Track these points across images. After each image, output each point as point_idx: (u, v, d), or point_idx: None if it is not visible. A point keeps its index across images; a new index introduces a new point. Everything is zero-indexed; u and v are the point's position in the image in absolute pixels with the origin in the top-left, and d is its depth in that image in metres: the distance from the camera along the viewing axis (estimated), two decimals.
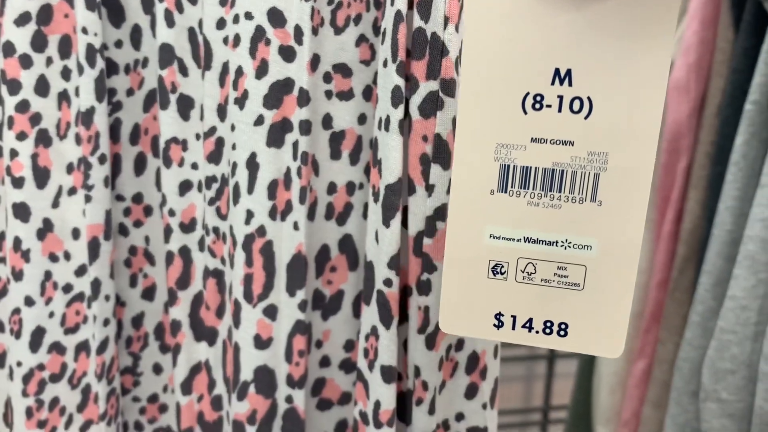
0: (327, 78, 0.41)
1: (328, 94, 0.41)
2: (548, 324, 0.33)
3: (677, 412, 0.69)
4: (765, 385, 0.57)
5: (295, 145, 0.40)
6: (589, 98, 0.31)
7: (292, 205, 0.41)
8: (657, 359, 0.80)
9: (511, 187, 0.32)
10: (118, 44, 0.46)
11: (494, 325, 0.33)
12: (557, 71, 0.31)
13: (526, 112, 0.31)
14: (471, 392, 0.42)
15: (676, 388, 0.69)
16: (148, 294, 0.50)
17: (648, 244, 0.79)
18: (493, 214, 0.32)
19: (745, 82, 0.66)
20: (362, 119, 0.43)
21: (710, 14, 0.72)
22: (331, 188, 0.43)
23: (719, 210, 0.64)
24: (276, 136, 0.40)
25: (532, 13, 0.31)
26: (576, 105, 0.31)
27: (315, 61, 0.40)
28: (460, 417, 0.42)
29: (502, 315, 0.33)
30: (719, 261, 0.63)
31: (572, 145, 0.31)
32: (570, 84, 0.31)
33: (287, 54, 0.40)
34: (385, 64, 0.38)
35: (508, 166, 0.32)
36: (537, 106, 0.31)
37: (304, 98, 0.40)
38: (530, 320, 0.33)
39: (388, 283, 0.38)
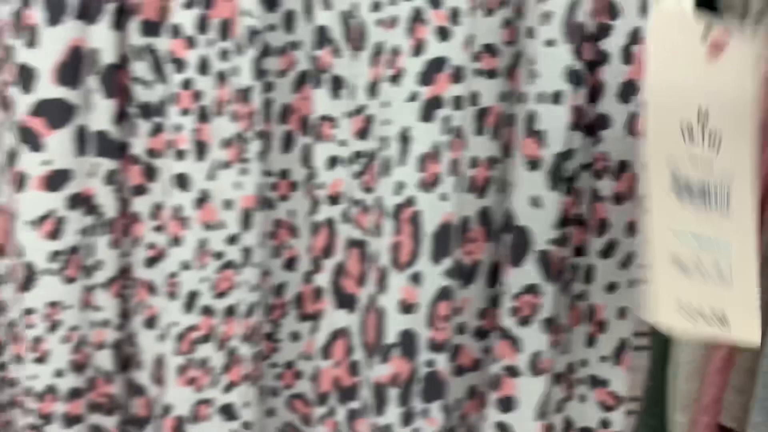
0: (476, 57, 0.43)
1: (477, 72, 0.43)
2: (715, 315, 0.35)
3: (765, 395, 0.70)
4: None
5: (447, 119, 0.42)
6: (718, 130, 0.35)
7: (442, 177, 0.43)
8: (739, 347, 0.80)
9: (680, 193, 0.34)
10: (272, 28, 0.49)
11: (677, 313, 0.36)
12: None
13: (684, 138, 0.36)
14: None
15: (764, 374, 0.69)
16: (290, 264, 0.53)
17: None
18: (673, 214, 0.37)
19: None
20: (503, 96, 0.44)
21: None
22: (473, 162, 0.45)
23: None
24: (428, 111, 0.43)
25: (692, 57, 0.36)
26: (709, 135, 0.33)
27: (469, 41, 0.42)
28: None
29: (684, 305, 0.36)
30: None
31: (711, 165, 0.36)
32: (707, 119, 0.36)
33: (443, 34, 0.42)
34: (550, 44, 0.40)
35: (678, 177, 0.34)
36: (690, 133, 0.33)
37: (458, 76, 0.42)
38: (701, 312, 0.35)
39: (555, 242, 0.40)
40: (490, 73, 0.44)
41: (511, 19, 0.43)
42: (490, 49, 0.43)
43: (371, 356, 0.47)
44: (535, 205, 0.41)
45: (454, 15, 0.41)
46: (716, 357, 0.84)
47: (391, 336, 0.45)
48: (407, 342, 0.45)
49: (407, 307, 0.44)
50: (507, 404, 0.45)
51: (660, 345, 0.91)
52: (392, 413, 0.46)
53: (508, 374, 0.43)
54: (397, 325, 0.44)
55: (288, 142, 0.51)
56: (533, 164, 0.41)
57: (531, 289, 0.42)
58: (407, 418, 0.47)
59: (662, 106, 0.37)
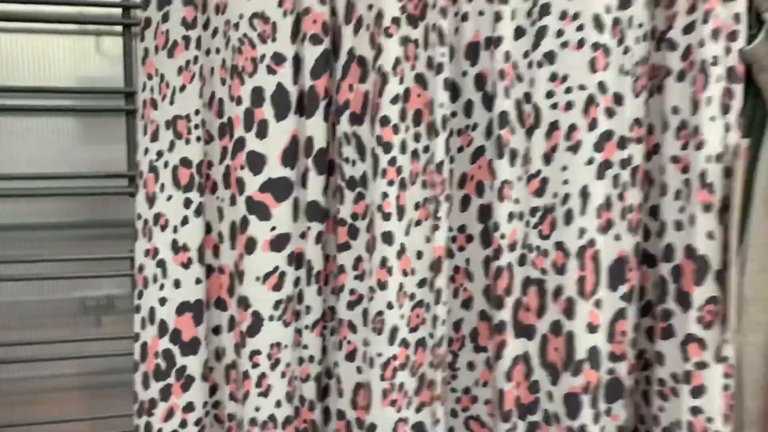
0: (631, 128, 0.57)
1: (633, 140, 0.57)
2: None
3: None
4: None
5: (616, 177, 0.56)
6: None
7: (614, 222, 0.56)
8: None
9: None
10: (453, 114, 0.63)
11: None
12: None
13: None
14: None
15: None
16: (466, 304, 0.65)
17: None
18: None
19: None
20: (647, 157, 0.58)
21: None
22: (630, 208, 0.58)
23: None
24: (602, 172, 0.56)
25: None
26: None
27: (631, 119, 0.56)
28: None
29: None
30: None
31: None
32: None
33: (610, 113, 0.55)
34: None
35: None
36: None
37: (622, 144, 0.55)
38: None
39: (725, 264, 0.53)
40: (638, 140, 0.57)
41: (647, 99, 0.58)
42: (638, 122, 0.57)
43: (561, 371, 0.58)
44: (710, 238, 0.54)
45: (618, 99, 0.55)
46: None
47: (581, 352, 0.56)
48: (594, 356, 0.57)
49: (593, 328, 0.57)
50: (699, 391, 0.57)
51: None
52: (586, 415, 0.57)
53: (698, 368, 0.55)
54: (587, 342, 0.56)
55: (466, 203, 0.64)
56: (707, 207, 0.54)
57: (711, 300, 0.54)
58: (596, 418, 0.58)
59: None
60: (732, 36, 0.58)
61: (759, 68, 0.87)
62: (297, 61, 0.62)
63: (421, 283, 0.63)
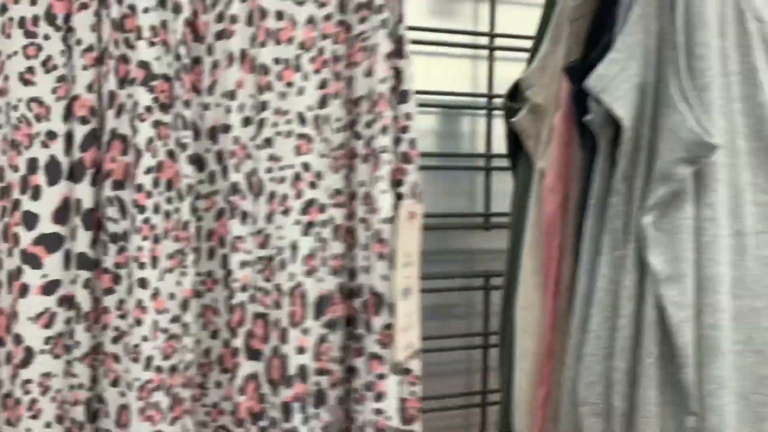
0: (332, 197, 0.75)
1: (333, 205, 0.75)
2: None
3: (565, 419, 0.88)
4: (617, 389, 0.80)
5: (318, 234, 0.74)
6: None
7: (318, 267, 0.74)
8: (553, 384, 0.96)
9: None
10: (201, 182, 0.78)
11: None
12: None
13: None
14: None
15: (562, 402, 0.88)
16: (214, 335, 0.80)
17: (542, 302, 1.01)
18: None
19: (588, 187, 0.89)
20: (348, 218, 0.77)
21: (566, 138, 1.00)
22: (333, 257, 0.76)
23: (580, 273, 0.86)
24: (307, 230, 0.74)
25: None
26: None
27: (331, 189, 0.74)
28: None
29: None
30: (582, 306, 0.85)
31: None
32: None
33: (313, 185, 0.74)
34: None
35: None
36: None
37: (323, 209, 0.73)
38: None
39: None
40: (340, 205, 0.76)
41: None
42: (338, 192, 0.76)
43: (278, 386, 0.75)
44: (385, 279, 0.73)
45: (318, 175, 0.74)
46: (539, 395, 0.98)
47: (292, 369, 0.73)
48: (302, 373, 0.73)
49: (301, 350, 0.74)
50: (380, 396, 0.75)
51: (507, 382, 1.04)
52: (297, 419, 0.74)
53: (379, 378, 0.73)
54: (297, 361, 0.73)
55: (211, 254, 0.79)
56: (381, 256, 0.73)
57: (388, 327, 0.73)
58: (305, 420, 0.75)
59: None
60: (404, 129, 0.78)
61: (525, 136, 1.10)
62: (69, 136, 0.75)
63: (174, 320, 0.77)
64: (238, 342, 0.77)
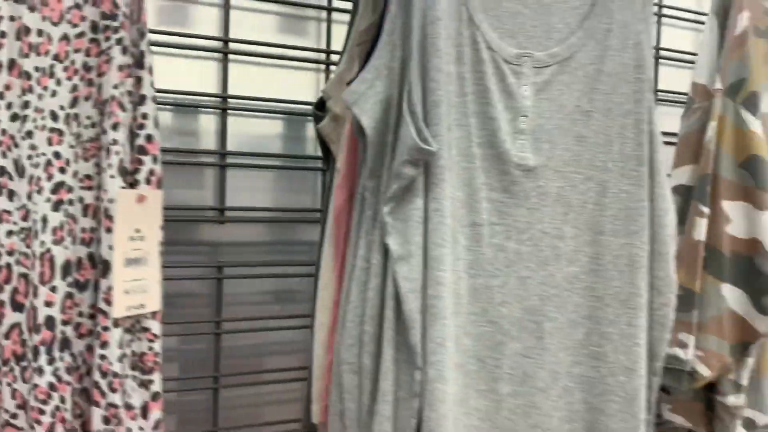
0: (81, 180, 0.87)
1: (85, 188, 0.87)
2: None
3: (334, 378, 1.00)
4: (366, 350, 0.94)
5: (66, 210, 0.85)
6: None
7: (65, 237, 0.85)
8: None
9: None
10: None
11: None
12: None
13: None
14: None
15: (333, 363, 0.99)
16: None
17: (335, 282, 1.12)
18: None
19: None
20: (97, 198, 0.89)
21: (352, 143, 1.14)
22: (83, 230, 0.87)
23: (348, 255, 1.01)
24: (57, 206, 0.86)
25: None
26: None
27: (75, 172, 0.86)
28: None
29: None
30: (347, 281, 0.97)
31: None
32: None
33: (62, 170, 0.86)
34: None
35: None
36: None
37: (70, 190, 0.85)
38: None
39: None
40: (90, 188, 0.90)
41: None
42: (88, 176, 0.91)
43: (32, 332, 0.86)
44: (111, 249, 0.85)
45: (67, 162, 0.87)
46: (327, 361, 1.07)
47: (41, 319, 0.86)
48: (49, 322, 0.85)
49: (49, 305, 0.85)
50: (104, 345, 0.88)
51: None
52: (43, 359, 0.88)
53: (104, 330, 0.87)
54: (45, 313, 0.86)
55: None
56: (108, 230, 0.86)
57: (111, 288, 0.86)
58: (51, 362, 0.88)
59: None
60: (140, 126, 0.94)
61: (329, 141, 1.25)
62: None
63: None
64: (5, 296, 0.88)
